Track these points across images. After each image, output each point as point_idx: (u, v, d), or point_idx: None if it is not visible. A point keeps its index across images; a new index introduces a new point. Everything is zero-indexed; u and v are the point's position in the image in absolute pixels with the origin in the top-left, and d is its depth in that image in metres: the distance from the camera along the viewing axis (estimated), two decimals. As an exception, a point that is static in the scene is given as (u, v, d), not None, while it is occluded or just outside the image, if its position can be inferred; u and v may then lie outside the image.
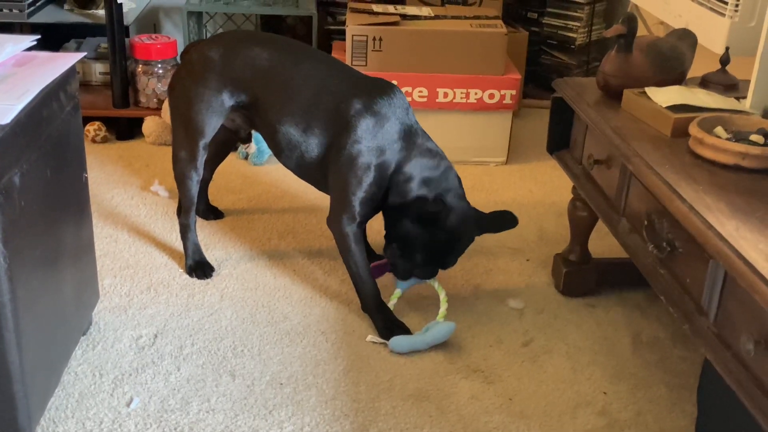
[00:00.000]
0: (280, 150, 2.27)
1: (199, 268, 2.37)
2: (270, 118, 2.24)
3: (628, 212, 1.90)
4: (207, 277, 2.35)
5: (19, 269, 1.56)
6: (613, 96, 2.08)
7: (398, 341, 2.08)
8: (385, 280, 2.27)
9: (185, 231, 2.39)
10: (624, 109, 2.03)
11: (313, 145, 2.20)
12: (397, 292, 2.24)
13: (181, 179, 2.35)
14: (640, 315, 2.29)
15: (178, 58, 3.34)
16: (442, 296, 2.19)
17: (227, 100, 2.26)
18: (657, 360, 2.11)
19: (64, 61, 1.82)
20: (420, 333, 2.12)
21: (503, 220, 2.24)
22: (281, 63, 2.25)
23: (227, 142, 2.55)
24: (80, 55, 1.86)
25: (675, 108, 1.90)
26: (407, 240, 2.15)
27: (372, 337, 2.13)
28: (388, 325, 2.14)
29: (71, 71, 1.86)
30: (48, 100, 1.72)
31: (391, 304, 2.21)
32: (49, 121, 1.73)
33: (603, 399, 1.97)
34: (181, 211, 2.39)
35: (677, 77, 2.08)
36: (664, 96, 1.95)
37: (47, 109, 1.72)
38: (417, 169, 2.13)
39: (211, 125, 2.28)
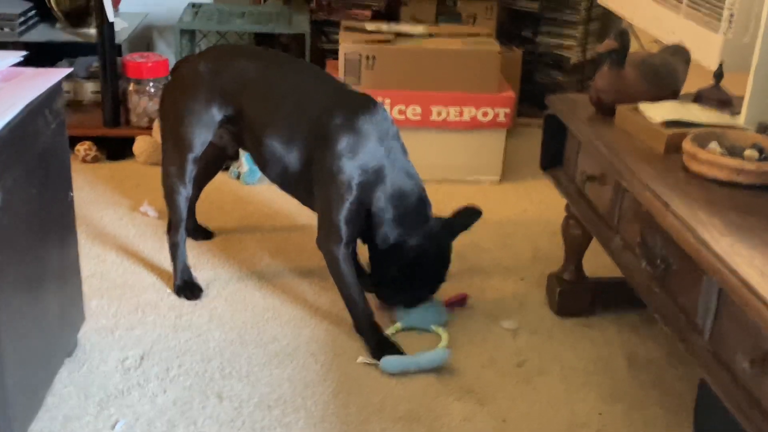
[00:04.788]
0: (265, 163, 2.26)
1: (188, 288, 2.34)
2: (255, 131, 2.23)
3: (621, 229, 1.87)
4: (195, 298, 2.32)
5: (1, 288, 1.52)
6: (606, 112, 2.06)
7: (389, 361, 2.04)
8: (384, 308, 2.28)
9: (174, 250, 2.36)
10: (617, 125, 2.01)
11: (295, 159, 2.19)
12: (397, 325, 2.22)
13: (169, 194, 2.33)
14: (636, 335, 2.26)
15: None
16: (444, 336, 2.17)
17: (216, 114, 2.24)
18: (652, 380, 2.08)
19: (49, 77, 1.79)
20: (413, 356, 2.08)
21: (468, 216, 2.29)
22: (267, 76, 2.25)
23: (215, 160, 2.53)
24: (66, 71, 1.84)
25: (668, 124, 1.88)
26: (384, 278, 2.22)
27: (363, 357, 2.09)
28: (380, 345, 2.11)
29: (57, 88, 1.84)
30: (33, 116, 1.69)
31: (388, 332, 2.19)
32: (34, 138, 1.70)
33: (598, 420, 1.93)
34: (171, 228, 2.37)
35: (671, 93, 2.06)
36: (658, 111, 1.93)
37: (32, 126, 1.69)
38: (388, 199, 2.14)
39: (201, 139, 2.26)
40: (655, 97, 2.03)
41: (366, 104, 2.16)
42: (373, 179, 2.11)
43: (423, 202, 2.20)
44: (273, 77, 2.24)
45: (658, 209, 1.61)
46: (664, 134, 1.85)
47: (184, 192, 2.31)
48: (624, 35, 2.01)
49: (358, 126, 2.11)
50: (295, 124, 2.18)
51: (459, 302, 2.34)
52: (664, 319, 1.62)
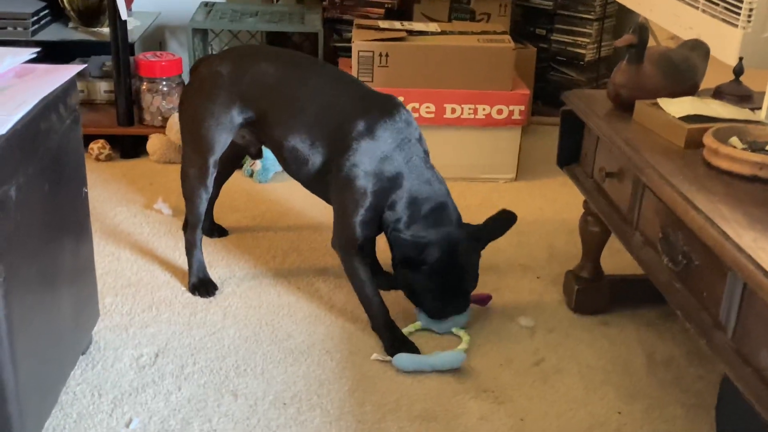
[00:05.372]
0: (288, 165, 2.25)
1: (203, 286, 2.33)
2: (277, 134, 2.21)
3: (641, 225, 1.84)
4: (210, 296, 2.30)
5: (14, 285, 1.51)
6: (624, 108, 2.03)
7: (403, 358, 2.03)
8: (405, 305, 2.23)
9: (191, 248, 2.35)
10: (636, 120, 1.98)
11: (315, 161, 2.17)
12: (417, 324, 2.20)
13: (189, 196, 2.31)
14: (655, 333, 2.23)
15: (184, 76, 3.32)
16: (465, 339, 2.15)
17: (237, 117, 2.22)
18: (672, 379, 2.05)
19: (63, 73, 1.78)
20: (427, 355, 2.06)
21: (502, 223, 2.20)
22: (288, 79, 2.22)
23: (234, 159, 2.52)
24: (80, 67, 1.83)
25: (688, 118, 1.85)
26: (409, 287, 2.16)
27: (377, 354, 2.07)
28: (396, 343, 2.09)
29: (71, 84, 1.82)
30: (47, 112, 1.68)
31: (406, 331, 2.16)
32: (47, 134, 1.69)
33: (617, 419, 1.90)
34: (188, 228, 2.35)
35: (690, 88, 2.04)
36: (677, 107, 1.91)
37: (46, 122, 1.68)
38: (405, 206, 2.09)
39: (221, 142, 2.24)
40: (674, 92, 2.00)
41: (386, 109, 2.13)
42: (388, 186, 2.09)
43: (444, 209, 2.12)
44: (294, 80, 2.21)
45: (680, 204, 1.59)
46: (684, 129, 1.82)
47: (205, 195, 2.30)
48: (643, 30, 1.98)
49: (376, 133, 2.09)
50: (316, 129, 2.16)
51: (481, 301, 2.31)
52: (686, 316, 1.60)
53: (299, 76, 2.23)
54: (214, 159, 2.25)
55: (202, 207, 2.32)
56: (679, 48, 2.13)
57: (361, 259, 2.15)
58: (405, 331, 2.16)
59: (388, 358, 2.05)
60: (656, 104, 1.95)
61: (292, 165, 2.22)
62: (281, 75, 2.22)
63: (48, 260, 1.72)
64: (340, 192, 2.13)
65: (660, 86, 2.00)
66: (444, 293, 2.13)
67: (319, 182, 2.21)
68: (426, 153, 2.17)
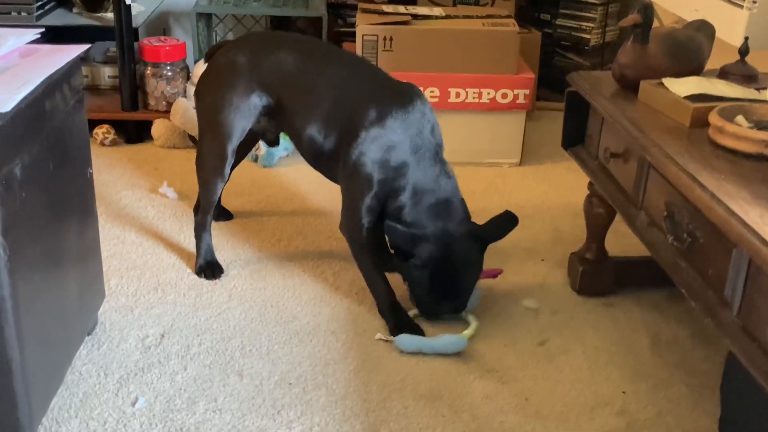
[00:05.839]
0: (306, 154, 2.25)
1: (209, 268, 2.33)
2: (294, 122, 2.20)
3: (646, 205, 1.84)
4: (216, 278, 2.31)
5: (19, 263, 1.52)
6: (630, 88, 2.03)
7: (404, 339, 2.03)
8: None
9: (201, 231, 2.35)
10: (641, 100, 1.98)
11: (329, 147, 2.17)
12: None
13: (205, 183, 2.31)
14: (659, 315, 2.23)
15: (188, 61, 3.32)
16: (473, 325, 2.12)
17: (255, 105, 2.22)
18: (677, 360, 2.05)
19: (67, 53, 1.78)
20: (430, 338, 2.06)
21: (505, 223, 2.17)
22: (306, 67, 2.21)
23: (249, 145, 2.51)
24: (84, 47, 1.83)
25: (694, 98, 1.85)
26: (408, 279, 2.13)
27: (381, 334, 2.07)
28: (400, 324, 2.09)
29: (75, 65, 1.83)
30: (51, 92, 1.68)
31: (412, 314, 2.16)
32: (52, 114, 1.69)
33: (622, 399, 1.91)
34: (199, 210, 2.36)
35: (695, 68, 2.03)
36: (683, 86, 1.90)
37: (50, 101, 1.68)
38: (408, 197, 2.07)
39: (240, 130, 2.24)
40: (679, 72, 2.00)
41: (400, 99, 2.11)
42: (393, 176, 2.08)
43: (447, 204, 2.09)
44: (312, 68, 2.20)
45: (685, 182, 1.58)
46: (690, 108, 1.82)
47: (221, 182, 2.30)
48: (648, 9, 1.97)
49: (386, 122, 2.08)
50: (332, 118, 2.15)
51: (491, 275, 2.27)
52: (692, 294, 1.60)
53: (317, 64, 2.22)
54: (232, 147, 2.24)
55: (218, 194, 2.32)
56: (684, 28, 2.12)
57: (368, 242, 2.15)
58: (411, 314, 2.16)
59: (392, 338, 2.05)
60: (661, 84, 1.94)
61: (310, 154, 2.23)
62: (299, 62, 2.21)
63: (53, 240, 1.72)
64: (348, 178, 2.13)
65: (665, 66, 1.99)
66: (436, 291, 2.10)
67: (331, 167, 2.21)
68: (438, 146, 2.15)
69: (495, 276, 2.30)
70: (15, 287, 1.50)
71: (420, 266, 2.06)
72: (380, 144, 2.08)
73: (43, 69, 1.67)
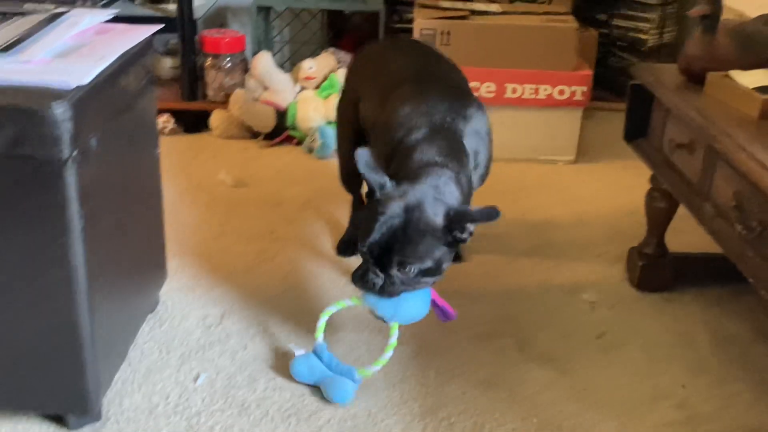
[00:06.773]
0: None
1: (353, 246, 2.28)
2: (366, 123, 2.14)
3: (713, 196, 1.82)
4: (353, 255, 2.34)
5: (94, 233, 1.55)
6: (695, 80, 2.01)
7: (299, 367, 1.85)
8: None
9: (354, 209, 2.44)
10: (707, 93, 1.96)
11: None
12: (354, 298, 1.86)
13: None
14: (719, 310, 2.20)
15: (246, 53, 3.36)
16: (391, 341, 1.80)
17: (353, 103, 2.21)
18: (737, 356, 2.02)
19: (141, 32, 1.82)
20: (324, 373, 1.83)
21: (482, 213, 1.68)
22: (383, 68, 2.14)
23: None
24: (157, 27, 1.87)
25: (763, 89, 1.83)
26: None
27: (294, 345, 1.94)
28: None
29: (147, 45, 1.86)
30: (125, 68, 1.71)
31: (352, 302, 1.88)
32: (125, 91, 1.73)
33: (681, 393, 1.89)
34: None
35: (764, 61, 2.00)
36: (751, 78, 1.88)
37: (125, 78, 1.71)
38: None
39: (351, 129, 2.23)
40: (747, 65, 1.97)
41: (438, 124, 1.86)
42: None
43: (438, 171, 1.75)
44: (384, 70, 2.12)
45: (756, 171, 1.57)
46: (759, 99, 1.80)
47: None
48: (716, 0, 1.96)
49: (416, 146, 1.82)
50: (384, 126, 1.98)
51: (442, 311, 1.87)
52: (760, 284, 1.58)
53: (391, 68, 2.12)
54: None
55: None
56: (753, 21, 2.10)
57: None
58: (351, 302, 1.88)
59: (302, 350, 1.89)
60: (728, 76, 1.92)
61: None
62: (378, 69, 2.15)
63: (124, 214, 1.76)
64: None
65: (733, 58, 1.97)
66: (364, 233, 1.70)
67: None
68: (465, 178, 1.82)
69: (447, 316, 1.88)
70: (90, 255, 1.53)
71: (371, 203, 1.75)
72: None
73: (117, 46, 1.71)
